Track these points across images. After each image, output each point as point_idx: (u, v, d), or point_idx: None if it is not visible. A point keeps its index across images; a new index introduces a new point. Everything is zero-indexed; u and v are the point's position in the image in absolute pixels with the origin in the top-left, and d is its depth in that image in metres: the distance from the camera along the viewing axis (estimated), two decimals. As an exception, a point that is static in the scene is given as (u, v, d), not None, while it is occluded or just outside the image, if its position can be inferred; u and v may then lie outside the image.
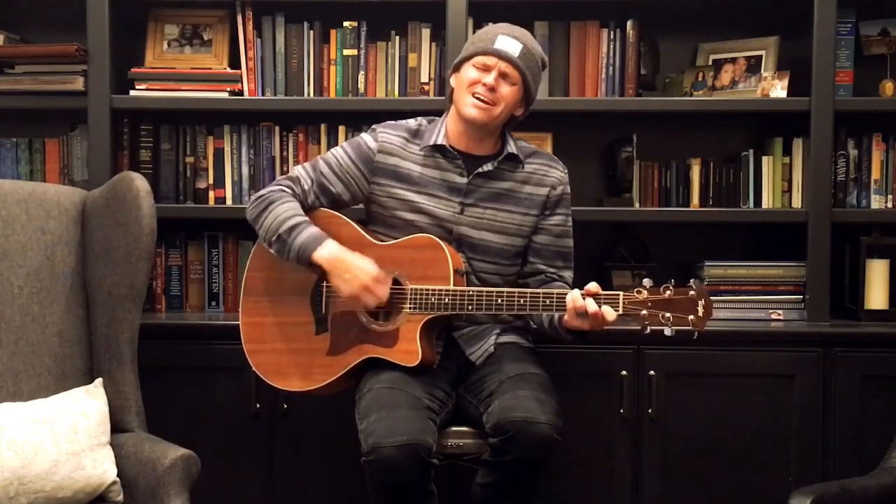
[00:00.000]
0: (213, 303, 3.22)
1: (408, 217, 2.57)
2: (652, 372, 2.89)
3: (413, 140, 2.60)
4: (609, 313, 2.37)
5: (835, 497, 2.33)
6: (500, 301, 2.45)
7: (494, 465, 2.40)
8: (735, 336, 2.92)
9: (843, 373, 2.89)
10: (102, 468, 2.43)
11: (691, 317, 2.37)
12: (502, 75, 2.50)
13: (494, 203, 2.58)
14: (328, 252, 2.47)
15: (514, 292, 2.46)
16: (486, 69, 2.50)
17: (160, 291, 3.20)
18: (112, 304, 2.58)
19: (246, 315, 2.63)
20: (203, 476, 2.44)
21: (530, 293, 2.46)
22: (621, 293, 2.39)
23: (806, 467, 2.89)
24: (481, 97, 2.49)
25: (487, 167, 2.57)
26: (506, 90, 2.51)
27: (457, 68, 2.57)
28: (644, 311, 2.38)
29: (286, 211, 2.52)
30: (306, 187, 2.59)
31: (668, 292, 2.38)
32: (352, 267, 2.46)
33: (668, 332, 2.38)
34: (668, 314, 2.37)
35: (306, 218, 2.53)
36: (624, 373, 2.89)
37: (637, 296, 2.39)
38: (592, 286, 2.40)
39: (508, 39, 2.51)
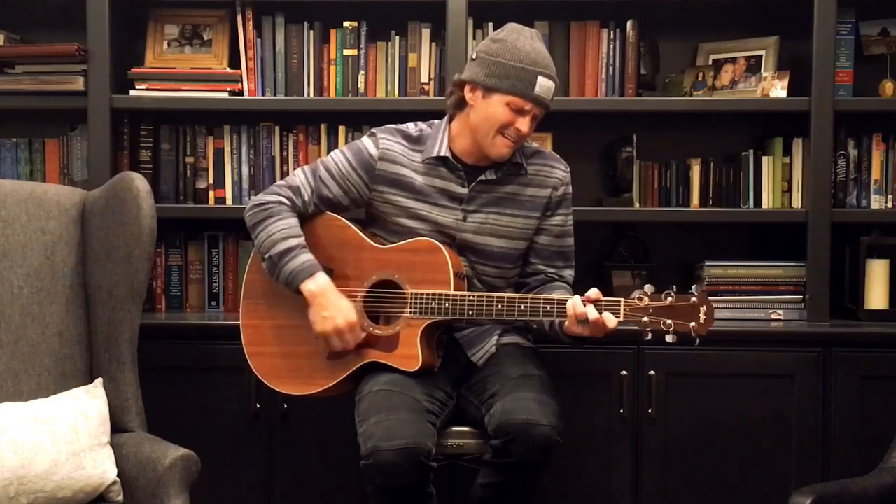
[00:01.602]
0: (213, 303, 3.22)
1: (409, 224, 2.55)
2: (652, 372, 2.89)
3: (414, 148, 2.58)
4: (610, 320, 2.36)
5: (835, 497, 2.33)
6: (500, 306, 2.44)
7: (496, 467, 2.39)
8: (735, 336, 2.92)
9: (843, 373, 2.89)
10: (102, 468, 2.43)
11: (693, 324, 2.36)
12: (533, 117, 2.48)
13: (497, 208, 2.57)
14: (315, 286, 2.46)
15: (514, 298, 2.46)
16: (520, 112, 2.45)
17: (160, 291, 3.20)
18: (112, 304, 2.58)
19: (246, 318, 2.63)
20: (203, 476, 2.44)
21: (531, 298, 2.45)
22: (622, 300, 2.38)
23: (806, 467, 2.89)
24: (511, 139, 2.48)
25: (490, 175, 2.55)
26: (531, 128, 2.50)
27: (480, 89, 2.48)
28: (645, 318, 2.37)
29: (282, 230, 2.50)
30: (306, 198, 2.57)
31: (670, 299, 2.37)
32: (332, 307, 2.46)
33: (669, 339, 2.37)
34: (669, 321, 2.36)
35: (301, 240, 2.50)
36: (624, 373, 2.89)
37: (638, 303, 2.38)
38: (593, 293, 2.39)
39: (547, 82, 2.45)
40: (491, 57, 2.47)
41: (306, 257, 2.48)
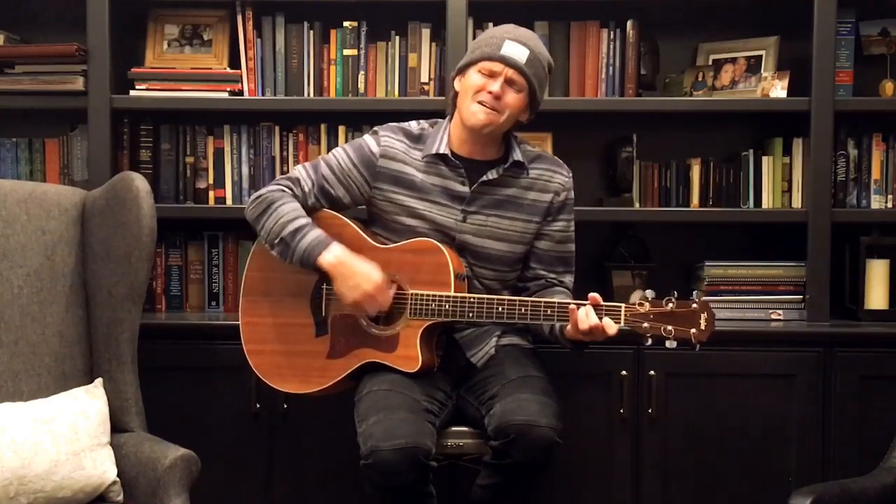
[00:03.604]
0: (213, 303, 3.22)
1: (409, 223, 2.55)
2: (652, 372, 2.89)
3: (415, 146, 2.58)
4: (610, 326, 2.36)
5: (835, 497, 2.33)
6: (500, 309, 2.44)
7: (495, 468, 2.39)
8: (735, 336, 2.92)
9: (843, 373, 2.89)
10: (102, 468, 2.43)
11: (693, 330, 2.36)
12: (508, 82, 2.47)
13: (497, 210, 2.57)
14: (333, 257, 2.45)
15: (514, 301, 2.45)
16: (491, 75, 2.47)
17: (160, 291, 3.20)
18: (112, 304, 2.58)
19: (246, 315, 2.63)
20: (203, 476, 2.45)
21: (531, 302, 2.44)
22: (623, 305, 2.38)
23: (806, 467, 2.89)
24: (486, 104, 2.48)
25: (492, 175, 2.55)
26: (511, 98, 2.49)
27: (461, 72, 2.54)
28: (646, 324, 2.36)
29: (289, 213, 2.50)
30: (307, 189, 2.58)
31: (671, 305, 2.36)
32: (356, 274, 2.45)
33: (669, 344, 2.37)
34: (669, 327, 2.35)
35: (309, 220, 2.51)
36: (624, 373, 2.89)
37: (639, 308, 2.37)
38: (594, 297, 2.39)
39: (515, 45, 2.48)
40: (471, 45, 2.58)
41: (317, 232, 2.48)
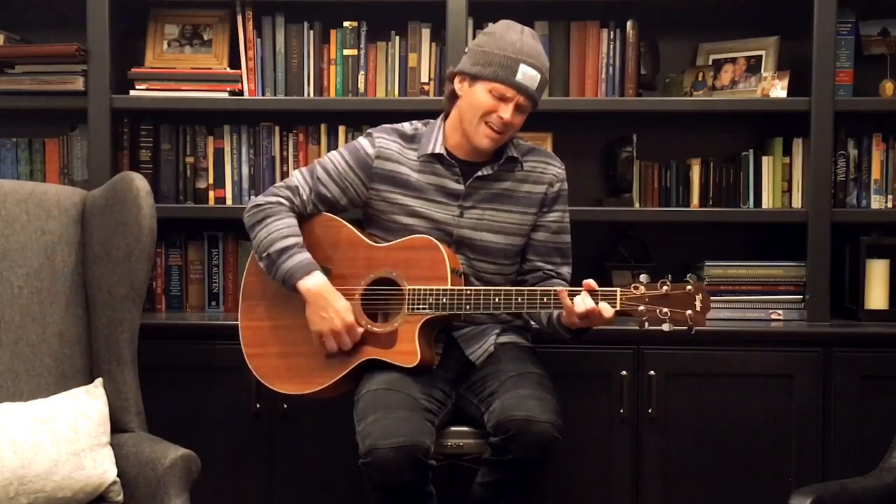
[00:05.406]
0: (213, 303, 3.22)
1: (406, 221, 2.56)
2: (652, 372, 2.89)
3: (409, 146, 2.59)
4: (606, 310, 2.36)
5: (835, 497, 2.33)
6: (497, 300, 2.45)
7: (495, 464, 2.40)
8: (735, 336, 2.92)
9: (843, 373, 2.89)
10: (102, 468, 2.43)
11: (689, 312, 2.36)
12: (518, 107, 2.47)
13: (493, 204, 2.58)
14: (313, 285, 2.47)
15: (511, 291, 2.46)
16: (503, 99, 2.46)
17: (160, 291, 3.20)
18: (112, 304, 2.58)
19: (245, 318, 2.63)
20: (203, 476, 2.44)
21: (528, 291, 2.45)
22: (618, 289, 2.39)
23: (806, 467, 2.89)
24: (494, 128, 2.47)
25: (486, 171, 2.56)
26: (518, 120, 2.50)
27: (465, 78, 2.51)
28: (641, 307, 2.37)
29: (281, 229, 2.51)
30: (304, 197, 2.58)
31: (666, 287, 2.37)
32: (330, 308, 2.46)
33: (666, 327, 2.37)
34: (665, 310, 2.36)
35: (299, 239, 2.52)
36: (624, 373, 2.89)
37: (634, 292, 2.38)
38: (588, 283, 2.39)
39: (530, 71, 2.45)
40: (478, 47, 2.51)
41: (303, 256, 2.49)
